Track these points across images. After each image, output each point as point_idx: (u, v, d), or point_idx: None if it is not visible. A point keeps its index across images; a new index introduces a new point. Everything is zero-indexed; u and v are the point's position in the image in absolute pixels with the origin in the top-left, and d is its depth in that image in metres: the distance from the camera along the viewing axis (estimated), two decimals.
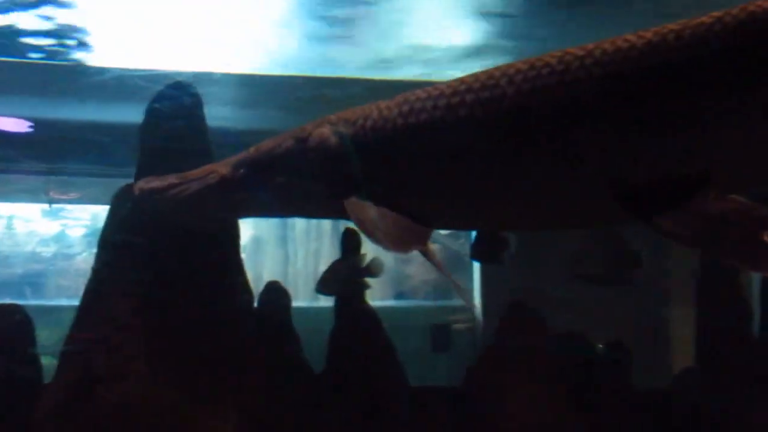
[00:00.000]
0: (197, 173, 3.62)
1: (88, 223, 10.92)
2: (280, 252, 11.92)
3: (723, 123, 2.63)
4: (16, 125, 6.77)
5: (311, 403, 4.87)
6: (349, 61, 5.84)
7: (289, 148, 3.34)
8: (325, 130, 3.24)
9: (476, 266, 8.08)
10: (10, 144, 6.90)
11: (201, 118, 4.73)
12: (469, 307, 4.46)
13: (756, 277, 5.95)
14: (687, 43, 2.62)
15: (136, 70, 5.59)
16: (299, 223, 11.82)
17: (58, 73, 6.03)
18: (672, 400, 5.46)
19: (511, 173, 2.95)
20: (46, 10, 5.12)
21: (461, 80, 2.99)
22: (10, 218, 10.92)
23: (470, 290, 8.18)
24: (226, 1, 5.11)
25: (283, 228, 12.01)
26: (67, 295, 10.19)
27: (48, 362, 4.79)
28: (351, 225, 3.60)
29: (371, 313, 5.25)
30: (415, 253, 3.41)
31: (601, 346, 5.61)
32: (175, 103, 4.72)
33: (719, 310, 5.45)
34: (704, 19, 2.64)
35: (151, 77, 5.13)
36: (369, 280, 5.30)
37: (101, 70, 5.86)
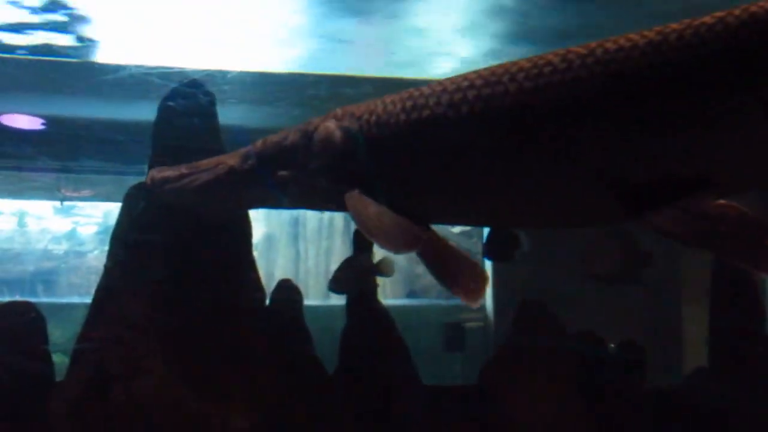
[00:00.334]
0: (207, 164, 3.65)
1: (100, 220, 10.97)
2: (292, 250, 11.95)
3: (724, 123, 2.62)
4: (30, 123, 6.78)
5: (324, 401, 4.86)
6: (364, 60, 5.84)
7: (295, 142, 3.36)
8: (331, 125, 3.26)
9: (488, 265, 8.06)
10: (23, 141, 6.91)
11: (213, 115, 4.75)
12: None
13: None
14: (688, 43, 2.62)
15: (151, 68, 5.60)
16: (311, 222, 11.85)
17: (72, 70, 6.03)
18: (683, 400, 5.44)
19: (512, 170, 2.95)
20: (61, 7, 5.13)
21: (464, 76, 3.00)
22: (22, 215, 10.96)
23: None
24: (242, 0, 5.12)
25: (294, 226, 12.05)
26: (78, 292, 10.24)
27: (60, 360, 4.80)
28: None
29: (383, 312, 5.24)
30: None
31: (613, 345, 5.59)
32: (187, 100, 4.72)
33: (732, 310, 5.43)
34: (706, 19, 2.63)
35: (166, 75, 5.14)
36: (379, 279, 5.30)
37: (116, 68, 5.87)
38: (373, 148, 3.15)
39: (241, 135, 3.61)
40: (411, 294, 10.59)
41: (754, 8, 2.57)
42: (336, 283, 5.27)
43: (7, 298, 7.15)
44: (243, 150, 3.56)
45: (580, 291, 5.96)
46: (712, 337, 5.54)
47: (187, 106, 4.70)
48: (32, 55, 5.81)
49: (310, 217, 11.93)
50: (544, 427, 5.09)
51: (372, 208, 3.09)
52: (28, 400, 4.46)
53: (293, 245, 12.02)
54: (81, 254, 11.02)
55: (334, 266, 5.49)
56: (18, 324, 4.65)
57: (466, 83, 2.95)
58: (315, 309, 5.23)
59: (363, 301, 5.24)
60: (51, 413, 4.39)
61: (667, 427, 5.26)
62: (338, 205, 3.26)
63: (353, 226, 5.31)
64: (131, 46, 5.82)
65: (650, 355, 5.51)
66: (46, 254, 10.88)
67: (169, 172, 3.70)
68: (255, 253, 4.94)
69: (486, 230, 6.85)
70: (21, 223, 10.97)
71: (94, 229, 10.95)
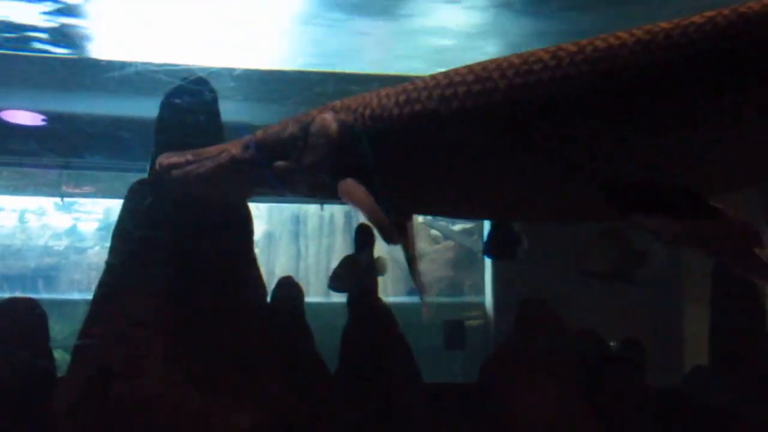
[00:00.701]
0: (212, 151, 3.69)
1: (101, 216, 10.97)
2: (293, 247, 11.96)
3: (713, 123, 2.63)
4: (31, 119, 6.78)
5: (325, 399, 4.87)
6: (372, 57, 5.84)
7: (293, 133, 3.39)
8: (328, 117, 3.29)
9: (488, 263, 8.08)
10: (24, 138, 6.91)
11: (216, 112, 4.75)
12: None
13: None
14: (677, 43, 2.62)
15: (158, 65, 5.60)
16: (311, 219, 11.86)
17: (74, 67, 6.04)
18: (683, 398, 5.44)
19: (500, 165, 2.97)
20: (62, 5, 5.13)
21: (457, 71, 3.02)
22: (23, 212, 10.96)
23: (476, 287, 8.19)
24: None
25: (295, 224, 12.06)
26: (79, 288, 10.25)
27: (60, 356, 4.80)
28: (364, 220, 3.65)
29: (385, 309, 5.25)
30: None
31: (613, 343, 5.60)
32: (190, 97, 4.73)
33: (733, 309, 5.43)
34: (695, 18, 2.64)
35: (172, 72, 5.14)
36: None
37: (122, 65, 5.88)
38: (368, 140, 3.17)
39: (248, 132, 3.64)
40: (411, 291, 10.58)
41: (743, 9, 2.58)
42: (336, 281, 5.28)
43: (7, 294, 7.14)
44: (245, 139, 3.60)
45: (580, 289, 5.95)
46: (713, 336, 5.55)
47: (190, 102, 4.71)
48: (35, 52, 5.82)
49: (311, 214, 11.95)
50: (544, 425, 5.10)
51: (362, 193, 3.12)
52: (30, 397, 4.46)
53: (294, 242, 12.03)
54: (81, 250, 11.02)
55: (334, 263, 5.49)
56: (20, 320, 4.65)
57: (458, 78, 2.97)
58: (316, 306, 5.23)
59: (364, 298, 5.24)
60: (55, 410, 4.39)
61: (667, 425, 5.26)
62: (333, 196, 3.30)
63: (354, 224, 5.32)
64: (137, 43, 5.83)
65: (650, 353, 5.52)
66: (47, 250, 10.89)
67: (175, 158, 3.73)
68: (256, 251, 4.95)
69: (486, 228, 6.86)
70: (22, 219, 10.97)
71: (94, 225, 10.95)
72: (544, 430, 5.08)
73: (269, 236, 11.83)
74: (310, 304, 5.20)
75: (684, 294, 7.26)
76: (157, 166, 3.86)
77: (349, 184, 3.16)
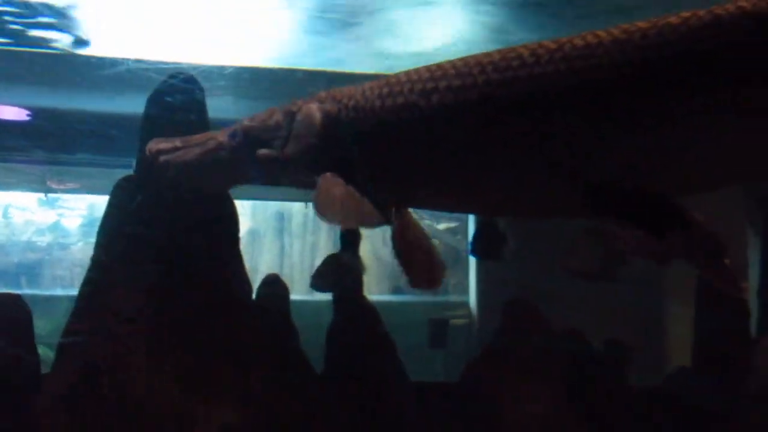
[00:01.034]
0: (199, 138, 3.71)
1: (84, 212, 10.93)
2: (277, 244, 11.94)
3: (689, 123, 2.65)
4: (15, 114, 6.76)
5: (312, 397, 4.87)
6: (359, 56, 5.85)
7: (279, 121, 3.41)
8: (313, 107, 3.31)
9: (473, 262, 8.09)
10: (8, 133, 6.89)
11: (202, 109, 4.76)
12: None
13: (754, 276, 5.97)
14: (652, 43, 2.63)
15: (148, 62, 5.59)
16: (296, 216, 11.85)
17: (60, 63, 6.02)
18: (667, 399, 5.47)
19: (479, 160, 2.99)
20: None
21: (440, 65, 3.04)
22: (7, 207, 10.91)
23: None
24: None
25: (280, 221, 12.04)
26: (62, 284, 10.20)
27: (43, 353, 4.79)
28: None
29: (370, 308, 5.25)
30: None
31: (597, 344, 5.62)
32: (176, 94, 4.73)
33: (718, 309, 5.46)
34: (672, 19, 2.65)
35: (159, 69, 5.14)
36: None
37: (113, 62, 5.86)
38: (351, 131, 3.19)
39: None
40: (396, 290, 10.60)
41: (718, 10, 2.59)
42: (318, 280, 5.28)
43: None
44: (233, 126, 3.63)
45: (565, 288, 5.97)
46: (697, 337, 5.58)
47: (176, 99, 4.71)
48: (21, 46, 5.80)
49: (295, 212, 11.94)
50: (529, 424, 5.11)
51: (338, 189, 3.13)
52: (15, 394, 4.45)
53: (278, 240, 12.01)
54: (65, 246, 10.97)
55: (319, 261, 5.49)
56: (5, 317, 4.63)
57: (439, 73, 2.99)
58: (300, 304, 5.23)
59: (350, 297, 5.24)
60: (41, 406, 4.38)
61: (651, 426, 5.29)
62: (314, 188, 3.32)
63: None
64: (125, 40, 5.81)
65: (636, 353, 5.54)
66: (30, 246, 10.83)
67: (164, 144, 3.74)
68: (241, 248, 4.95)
69: (472, 228, 6.87)
70: (6, 215, 10.92)
71: (78, 221, 10.91)
72: (529, 429, 5.10)
73: (253, 233, 11.81)
74: (294, 302, 5.19)
75: (668, 293, 7.29)
76: (146, 152, 3.88)
77: (327, 179, 3.18)
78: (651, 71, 2.64)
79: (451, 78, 2.93)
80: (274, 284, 5.12)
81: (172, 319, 4.51)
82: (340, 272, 5.25)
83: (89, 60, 5.98)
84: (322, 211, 3.17)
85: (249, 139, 3.48)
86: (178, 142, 3.72)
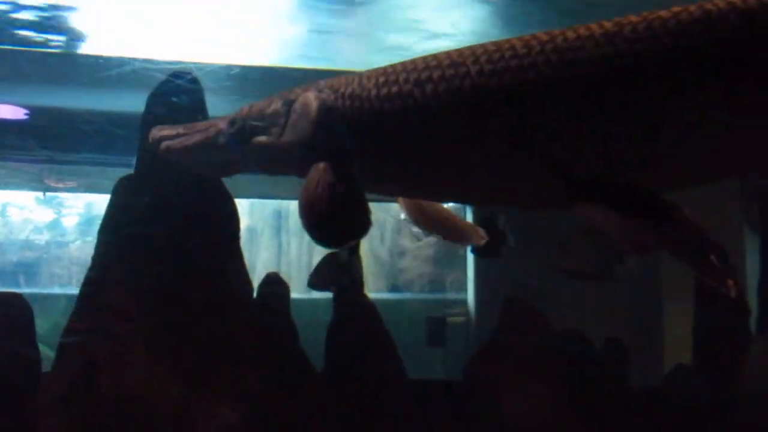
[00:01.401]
0: (201, 125, 3.80)
1: (82, 211, 10.90)
2: (274, 243, 11.92)
3: (677, 117, 2.66)
4: (12, 113, 6.75)
5: (312, 395, 4.87)
6: (357, 53, 5.85)
7: (277, 109, 3.43)
8: (310, 95, 3.34)
9: (470, 260, 8.10)
10: (6, 131, 6.88)
11: (202, 107, 4.76)
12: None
13: (753, 274, 5.97)
14: (641, 36, 2.65)
15: (155, 62, 5.59)
16: (293, 214, 11.81)
17: (59, 61, 6.02)
18: (667, 397, 5.47)
19: (471, 150, 3.01)
20: None
21: (436, 56, 3.06)
22: (5, 206, 10.88)
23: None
24: None
25: (277, 219, 12.02)
26: (60, 283, 10.18)
27: (41, 351, 4.78)
28: None
29: (371, 306, 5.26)
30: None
31: (596, 343, 5.62)
32: (176, 92, 4.73)
33: (716, 307, 5.46)
34: (663, 13, 2.66)
35: (162, 69, 5.14)
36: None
37: (110, 60, 5.86)
38: (347, 120, 3.20)
39: None
40: (393, 288, 10.59)
41: (708, 6, 2.60)
42: (316, 279, 5.28)
43: None
44: (233, 114, 3.65)
45: (562, 287, 5.98)
46: (696, 335, 5.58)
47: (177, 97, 4.71)
48: (19, 45, 5.79)
49: (293, 210, 11.91)
50: (528, 423, 5.12)
51: (329, 176, 3.13)
52: (16, 392, 4.45)
53: (276, 238, 11.99)
54: (63, 245, 10.94)
55: (316, 259, 5.48)
56: (6, 316, 4.63)
57: (434, 63, 3.01)
58: (297, 302, 5.23)
59: (350, 295, 5.25)
60: (41, 404, 4.39)
61: (651, 424, 5.29)
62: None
63: None
64: (126, 38, 5.81)
65: (635, 352, 5.55)
66: (28, 244, 10.80)
67: (167, 131, 3.84)
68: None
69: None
70: (3, 214, 10.89)
71: (75, 219, 10.88)
72: (528, 428, 5.11)
73: (251, 231, 11.78)
74: (292, 301, 5.20)
75: (666, 291, 7.30)
76: (150, 139, 3.92)
77: (319, 169, 3.19)
78: (640, 65, 2.65)
79: (445, 68, 2.96)
80: (275, 283, 5.12)
81: (173, 318, 4.51)
82: (338, 271, 5.25)
83: (85, 58, 5.98)
84: (306, 200, 3.18)
85: (247, 126, 3.51)
86: (180, 129, 3.81)
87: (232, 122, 3.59)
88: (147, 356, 4.43)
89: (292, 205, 12.34)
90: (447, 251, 9.78)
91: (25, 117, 6.78)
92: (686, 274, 5.70)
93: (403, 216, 3.91)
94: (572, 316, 5.70)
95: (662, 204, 2.85)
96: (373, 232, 10.76)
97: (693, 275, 5.59)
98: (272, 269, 5.53)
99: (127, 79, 5.78)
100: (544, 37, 2.80)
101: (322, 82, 3.39)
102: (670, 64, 2.59)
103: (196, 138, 3.71)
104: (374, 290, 10.34)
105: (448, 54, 3.02)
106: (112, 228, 4.64)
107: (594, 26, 2.73)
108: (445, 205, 4.08)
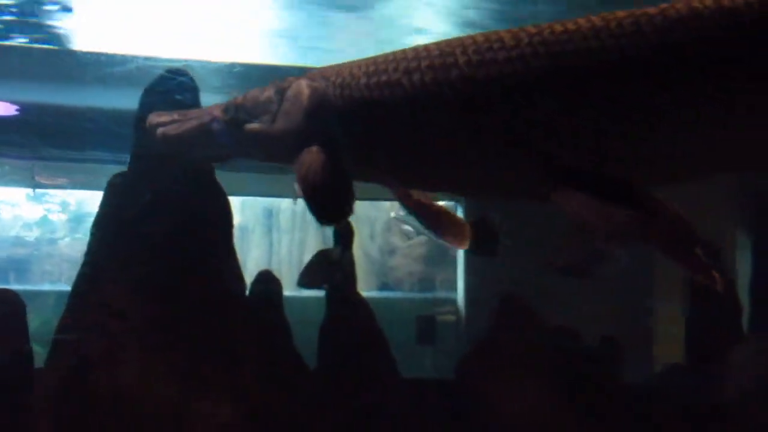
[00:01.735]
0: (197, 112, 3.83)
1: (72, 207, 10.88)
2: (265, 241, 11.92)
3: (663, 113, 2.67)
4: (4, 109, 6.74)
5: (304, 393, 4.88)
6: (354, 50, 5.86)
7: (270, 97, 3.44)
8: (302, 83, 3.35)
9: (461, 259, 8.11)
10: None
11: (196, 104, 4.76)
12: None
13: (745, 272, 6.00)
14: (626, 32, 2.66)
15: (155, 59, 5.59)
16: (284, 212, 11.83)
17: (50, 58, 6.01)
18: (659, 396, 5.49)
19: (458, 141, 3.02)
20: None
21: (426, 46, 3.07)
22: None
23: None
24: None
25: (268, 217, 12.02)
26: (50, 280, 10.16)
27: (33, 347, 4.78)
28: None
29: (364, 304, 5.26)
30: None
31: (590, 341, 5.63)
32: (169, 89, 4.73)
33: (709, 305, 5.48)
34: (650, 9, 2.67)
35: (156, 66, 5.14)
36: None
37: (97, 57, 5.85)
38: (337, 109, 3.21)
39: None
40: (383, 286, 10.60)
41: (696, 3, 2.61)
42: (306, 277, 5.28)
43: None
44: (227, 101, 3.67)
45: (554, 285, 6.00)
46: (688, 333, 5.60)
47: (171, 94, 4.71)
48: (8, 41, 5.78)
49: (284, 207, 11.92)
50: (522, 420, 5.13)
51: (319, 162, 3.19)
52: (8, 389, 4.44)
53: (267, 236, 11.99)
54: (53, 241, 10.91)
55: (307, 257, 5.50)
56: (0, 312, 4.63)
57: (424, 53, 3.02)
58: (289, 300, 5.24)
59: (343, 293, 5.25)
60: (34, 401, 4.38)
61: (644, 422, 5.31)
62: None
63: None
64: (118, 35, 5.81)
65: (627, 350, 5.56)
66: (19, 241, 10.77)
67: (164, 117, 3.84)
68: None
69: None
70: None
71: (65, 216, 10.86)
72: (522, 426, 5.12)
73: (242, 229, 11.76)
74: (283, 298, 5.21)
75: (660, 289, 7.32)
76: (147, 125, 3.94)
77: (312, 152, 3.21)
78: (625, 60, 2.66)
79: (434, 58, 2.97)
80: (268, 281, 5.12)
81: (166, 316, 4.52)
82: (329, 269, 5.25)
83: (77, 54, 5.97)
84: (301, 183, 3.21)
85: (240, 113, 3.53)
86: (176, 116, 3.82)
87: (226, 109, 3.61)
88: (140, 353, 4.43)
89: (284, 203, 12.37)
90: (437, 250, 9.80)
91: (16, 113, 6.77)
92: (677, 273, 5.74)
93: (393, 214, 3.93)
94: (565, 315, 5.72)
95: (639, 194, 2.87)
96: (364, 229, 10.78)
97: (683, 272, 5.65)
98: (263, 267, 5.53)
99: (119, 76, 5.78)
100: (533, 30, 2.81)
101: (315, 71, 3.41)
102: (656, 60, 2.60)
103: (191, 124, 3.73)
104: (364, 288, 10.33)
105: (437, 44, 3.03)
106: (105, 225, 4.63)
107: (581, 20, 2.74)
108: (440, 203, 4.09)
